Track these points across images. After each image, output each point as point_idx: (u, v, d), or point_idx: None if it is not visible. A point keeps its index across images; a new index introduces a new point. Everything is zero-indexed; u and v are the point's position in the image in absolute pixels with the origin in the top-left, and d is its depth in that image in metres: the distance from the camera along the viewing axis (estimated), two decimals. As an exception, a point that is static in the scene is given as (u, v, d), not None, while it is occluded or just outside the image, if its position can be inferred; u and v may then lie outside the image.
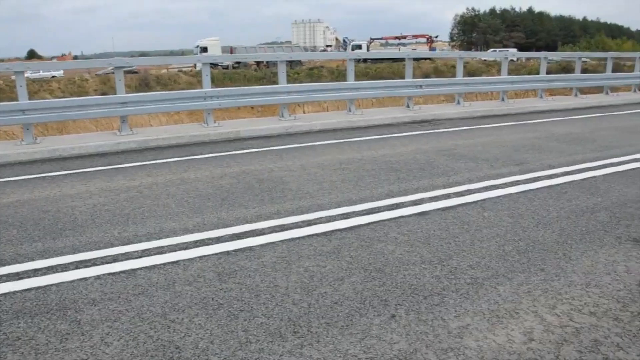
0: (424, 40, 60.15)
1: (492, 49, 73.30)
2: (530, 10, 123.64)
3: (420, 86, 12.63)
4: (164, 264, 3.91)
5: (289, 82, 11.16)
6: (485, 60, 44.65)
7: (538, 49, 71.35)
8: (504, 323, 3.03)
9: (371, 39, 61.95)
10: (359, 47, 54.42)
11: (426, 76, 31.87)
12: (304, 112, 14.21)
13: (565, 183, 6.13)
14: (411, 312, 3.15)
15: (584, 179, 6.31)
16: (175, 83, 32.71)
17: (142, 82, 30.09)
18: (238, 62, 39.46)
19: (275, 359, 2.71)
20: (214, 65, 37.95)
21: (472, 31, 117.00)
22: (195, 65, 40.14)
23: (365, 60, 42.63)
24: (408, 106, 12.67)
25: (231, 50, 46.78)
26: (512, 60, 42.44)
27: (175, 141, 9.18)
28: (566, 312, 3.15)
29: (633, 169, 6.87)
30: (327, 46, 64.72)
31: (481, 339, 2.87)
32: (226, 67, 39.36)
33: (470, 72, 36.60)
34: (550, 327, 2.99)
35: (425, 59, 42.00)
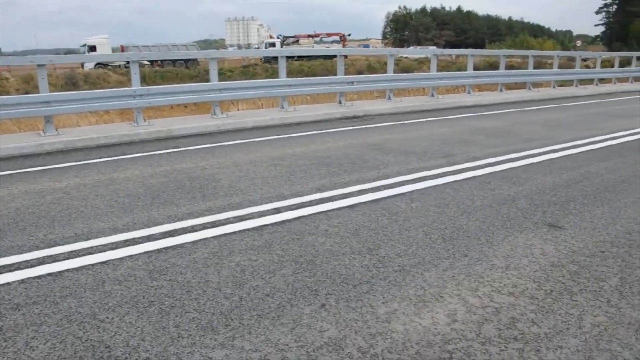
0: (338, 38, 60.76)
1: (412, 47, 75.74)
2: (459, 9, 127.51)
3: (352, 82, 12.83)
4: (93, 265, 3.83)
5: (222, 80, 11.09)
6: (407, 57, 45.86)
7: (467, 47, 73.71)
8: (430, 307, 3.16)
9: (284, 37, 62.22)
10: (273, 45, 54.32)
11: (360, 73, 32.22)
12: (238, 110, 14.12)
13: (489, 174, 6.41)
14: (341, 300, 3.24)
15: (506, 170, 6.62)
16: (104, 82, 31.61)
17: (69, 80, 28.90)
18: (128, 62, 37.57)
19: (207, 352, 2.73)
20: (103, 64, 36.41)
21: (404, 29, 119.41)
22: (82, 65, 37.13)
23: (275, 58, 41.95)
24: (340, 102, 12.85)
25: (122, 48, 44.82)
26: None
27: (105, 141, 8.94)
28: (487, 294, 3.33)
29: (551, 159, 7.28)
30: (261, 43, 64.54)
31: (408, 323, 2.98)
32: (117, 67, 37.26)
33: (403, 68, 37.40)
34: (472, 308, 3.15)
35: (330, 56, 41.92)
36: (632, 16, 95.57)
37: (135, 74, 9.97)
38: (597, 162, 7.10)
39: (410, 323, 2.98)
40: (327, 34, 62.00)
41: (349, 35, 62.56)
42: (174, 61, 39.49)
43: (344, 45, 55.80)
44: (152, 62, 39.58)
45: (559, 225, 4.60)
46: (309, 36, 61.98)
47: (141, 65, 37.30)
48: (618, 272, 3.66)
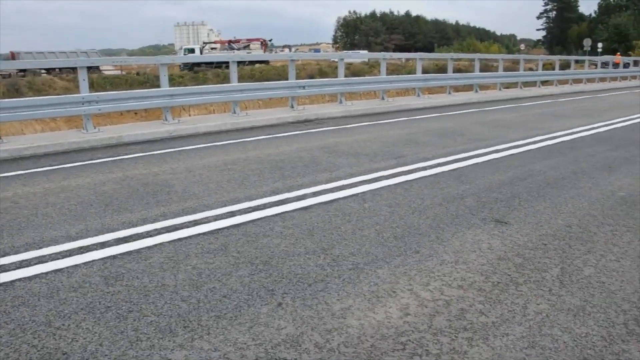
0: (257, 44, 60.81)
1: (345, 51, 78.07)
2: (407, 14, 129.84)
3: (303, 87, 12.94)
4: (46, 273, 3.78)
5: (173, 85, 11.00)
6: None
7: (417, 50, 75.18)
8: (383, 302, 3.28)
9: (204, 43, 62.11)
10: (192, 50, 53.98)
11: (311, 77, 32.43)
12: (189, 115, 14.02)
13: (438, 173, 6.62)
14: (297, 299, 3.32)
15: (455, 169, 6.84)
16: (50, 88, 30.71)
17: (12, 87, 27.94)
18: (24, 70, 35.70)
19: (167, 354, 2.75)
20: None
21: (355, 34, 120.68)
22: None
23: (199, 64, 41.66)
24: (292, 106, 12.93)
25: (12, 55, 42.58)
26: (365, 61, 44.73)
27: (53, 149, 8.75)
28: (438, 288, 3.47)
29: (497, 158, 7.56)
30: (212, 49, 63.95)
31: (362, 318, 3.09)
32: (7, 76, 33.91)
33: (353, 72, 37.83)
34: (424, 301, 3.28)
35: (260, 62, 42.04)
36: (569, 22, 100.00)
37: (83, 80, 9.80)
38: (540, 160, 7.42)
39: (365, 318, 3.08)
40: (247, 40, 61.90)
41: (270, 40, 62.78)
42: (73, 68, 38.17)
43: (265, 51, 55.79)
44: (48, 70, 37.74)
45: (504, 220, 4.80)
46: (229, 42, 61.71)
47: (35, 73, 35.33)
48: (559, 262, 3.87)
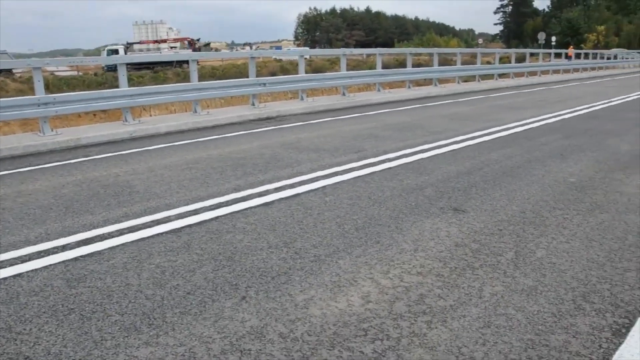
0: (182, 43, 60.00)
1: (287, 48, 79.31)
2: (368, 10, 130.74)
3: (264, 84, 12.95)
4: (4, 279, 3.73)
5: (133, 85, 10.88)
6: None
7: (377, 46, 75.84)
8: (345, 291, 3.36)
9: (128, 43, 61.30)
10: (116, 51, 52.77)
11: (273, 74, 32.37)
12: (150, 116, 13.87)
13: (398, 166, 6.75)
14: (260, 292, 3.38)
15: (414, 161, 6.99)
16: (2, 91, 29.83)
17: (-44, 91, 26.95)
18: None
19: (132, 352, 2.77)
20: None
21: (316, 30, 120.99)
22: None
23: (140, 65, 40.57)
24: (253, 104, 12.93)
25: None
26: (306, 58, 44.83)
27: (8, 153, 8.56)
28: (398, 275, 3.57)
29: (454, 149, 7.74)
30: (172, 47, 63.09)
31: (325, 307, 3.16)
32: None
33: (315, 69, 37.94)
34: (384, 289, 3.38)
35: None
36: (525, 17, 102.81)
37: (38, 81, 9.60)
38: (496, 150, 7.64)
39: (327, 307, 3.16)
40: (174, 39, 61.23)
41: (198, 40, 62.03)
42: None
43: (193, 50, 55.23)
44: None
45: (462, 209, 4.95)
46: (155, 41, 61.04)
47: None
48: (513, 246, 4.02)
